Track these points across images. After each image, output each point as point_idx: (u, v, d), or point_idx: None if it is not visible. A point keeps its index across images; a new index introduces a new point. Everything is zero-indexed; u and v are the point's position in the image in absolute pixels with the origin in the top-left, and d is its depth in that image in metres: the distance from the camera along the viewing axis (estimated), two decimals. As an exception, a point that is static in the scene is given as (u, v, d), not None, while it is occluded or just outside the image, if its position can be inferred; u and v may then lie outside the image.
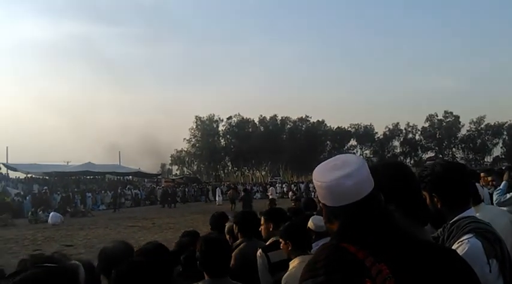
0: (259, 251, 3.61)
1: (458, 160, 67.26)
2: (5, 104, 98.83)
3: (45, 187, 38.73)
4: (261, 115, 75.75)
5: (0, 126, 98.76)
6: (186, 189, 44.45)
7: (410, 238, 1.40)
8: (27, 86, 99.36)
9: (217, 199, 35.31)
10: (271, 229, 3.93)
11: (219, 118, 75.84)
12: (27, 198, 31.92)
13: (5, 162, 47.42)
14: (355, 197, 1.37)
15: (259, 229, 4.07)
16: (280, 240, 3.43)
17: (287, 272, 3.29)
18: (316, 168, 1.48)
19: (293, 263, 3.30)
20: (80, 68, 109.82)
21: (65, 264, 1.68)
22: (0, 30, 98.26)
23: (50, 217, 24.32)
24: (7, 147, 52.74)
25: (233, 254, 3.90)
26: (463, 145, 72.39)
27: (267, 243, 3.80)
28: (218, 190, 38.14)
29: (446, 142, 72.31)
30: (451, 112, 71.52)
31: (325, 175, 1.41)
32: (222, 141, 76.83)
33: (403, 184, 1.68)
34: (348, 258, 1.28)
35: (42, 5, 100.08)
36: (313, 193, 38.39)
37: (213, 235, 3.12)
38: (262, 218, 4.07)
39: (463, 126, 71.25)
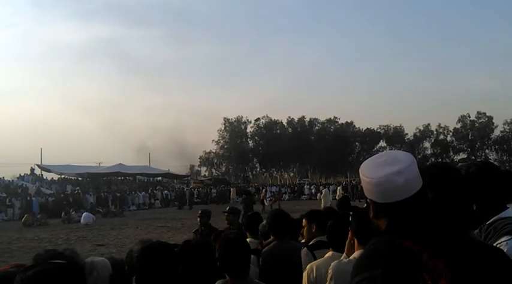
0: (305, 249, 3.58)
1: (491, 161, 65.50)
2: (39, 107, 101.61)
3: (78, 188, 39.61)
4: (289, 117, 75.79)
5: (35, 128, 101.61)
6: (213, 190, 44.80)
7: (459, 235, 1.40)
8: (60, 89, 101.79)
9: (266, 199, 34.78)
10: (314, 231, 3.89)
11: (247, 120, 76.27)
12: (34, 199, 31.77)
13: (39, 163, 48.66)
14: (405, 194, 1.36)
15: (301, 232, 4.06)
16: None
17: (317, 260, 3.26)
18: (364, 163, 1.47)
19: (325, 255, 3.27)
20: (110, 70, 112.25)
21: (74, 261, 1.75)
22: (33, 34, 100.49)
23: (82, 217, 24.86)
24: (41, 149, 54.34)
25: (262, 253, 3.91)
26: (496, 147, 70.58)
27: (310, 243, 3.76)
28: (269, 189, 38.18)
29: (479, 144, 70.63)
30: (484, 113, 69.89)
31: (375, 171, 1.40)
32: (250, 142, 77.04)
33: (448, 185, 1.66)
34: (405, 252, 1.28)
35: (72, 9, 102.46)
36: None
37: (232, 235, 3.11)
38: (304, 220, 4.05)
39: (496, 126, 69.53)
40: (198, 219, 7.48)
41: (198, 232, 7.28)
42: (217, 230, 6.65)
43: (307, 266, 3.22)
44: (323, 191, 31.43)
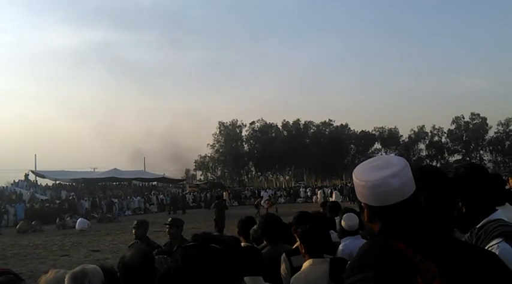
0: (283, 255, 3.61)
1: (486, 162, 65.95)
2: (33, 112, 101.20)
3: (72, 194, 39.47)
4: (284, 120, 75.94)
5: (29, 134, 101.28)
6: (209, 194, 44.68)
7: (452, 238, 1.41)
8: (54, 94, 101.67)
9: (262, 202, 34.61)
10: None
11: (242, 124, 76.33)
12: (17, 205, 30.92)
13: (33, 169, 48.50)
14: (401, 197, 1.36)
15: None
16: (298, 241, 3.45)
17: (297, 273, 3.32)
18: (357, 167, 1.46)
19: (304, 265, 3.33)
20: (103, 75, 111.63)
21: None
22: (27, 39, 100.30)
23: (77, 223, 24.75)
24: (35, 155, 54.17)
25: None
26: (491, 148, 70.88)
27: (293, 247, 3.78)
28: (265, 194, 38.02)
29: (473, 145, 70.90)
30: (478, 114, 70.19)
31: (369, 174, 1.39)
32: (246, 146, 77.05)
33: (440, 189, 1.66)
34: (398, 254, 1.28)
35: (65, 14, 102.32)
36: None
37: (229, 239, 3.11)
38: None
39: (490, 128, 69.79)
40: (133, 231, 6.41)
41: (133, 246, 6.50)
42: (156, 244, 6.00)
43: (292, 281, 3.29)
44: (333, 193, 31.44)
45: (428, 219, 1.41)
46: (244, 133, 76.75)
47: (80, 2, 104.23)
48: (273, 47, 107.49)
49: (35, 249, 16.71)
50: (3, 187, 40.71)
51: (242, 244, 4.24)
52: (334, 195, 27.96)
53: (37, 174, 47.00)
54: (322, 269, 3.18)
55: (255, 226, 4.45)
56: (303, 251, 3.36)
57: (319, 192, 39.63)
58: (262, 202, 32.55)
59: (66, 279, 2.43)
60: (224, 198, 41.46)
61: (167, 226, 5.99)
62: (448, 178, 1.81)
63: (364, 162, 1.48)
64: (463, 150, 71.48)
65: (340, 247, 4.26)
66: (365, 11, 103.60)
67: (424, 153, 74.45)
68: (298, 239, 3.42)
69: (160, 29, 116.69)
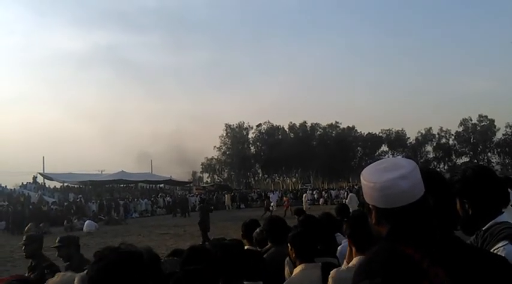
0: (287, 258, 3.62)
1: (494, 165, 65.43)
2: (41, 115, 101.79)
3: (80, 196, 39.63)
4: (291, 122, 75.65)
5: (37, 136, 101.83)
6: (215, 197, 44.67)
7: (460, 242, 1.39)
8: (62, 97, 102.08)
9: (271, 205, 34.03)
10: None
11: (249, 126, 76.09)
12: (19, 208, 29.97)
13: (41, 171, 48.71)
14: (409, 199, 1.35)
15: None
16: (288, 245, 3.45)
17: (290, 278, 3.31)
18: (365, 169, 1.46)
19: (296, 270, 3.31)
20: (110, 78, 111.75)
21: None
22: (34, 41, 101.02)
23: (85, 225, 24.85)
24: (43, 157, 54.40)
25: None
26: (498, 150, 70.29)
27: None
28: (273, 196, 38.05)
29: (481, 147, 70.36)
30: (486, 116, 69.57)
31: (378, 176, 1.39)
32: (252, 148, 76.94)
33: (448, 192, 1.67)
34: (406, 260, 1.27)
35: (71, 16, 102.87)
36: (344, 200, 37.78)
37: (229, 241, 3.14)
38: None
39: (498, 129, 69.16)
40: (23, 248, 5.72)
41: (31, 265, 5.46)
42: (50, 261, 5.54)
43: None
44: (349, 196, 31.06)
45: (437, 223, 1.40)
46: (250, 135, 76.73)
47: (86, 5, 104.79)
48: (278, 48, 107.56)
49: (44, 252, 16.77)
50: (11, 189, 40.93)
51: (246, 247, 4.26)
52: (349, 198, 27.61)
53: (45, 176, 47.18)
54: (315, 274, 3.17)
55: (257, 229, 4.45)
56: (294, 256, 3.34)
57: (304, 195, 38.33)
58: (271, 204, 32.39)
59: (75, 281, 2.46)
60: (226, 201, 41.58)
61: (56, 249, 5.38)
62: (449, 183, 1.82)
63: (372, 164, 1.48)
64: (471, 152, 70.95)
65: (339, 248, 4.27)
66: (371, 11, 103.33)
67: (431, 155, 74.05)
68: (288, 244, 3.40)
69: (166, 30, 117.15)
